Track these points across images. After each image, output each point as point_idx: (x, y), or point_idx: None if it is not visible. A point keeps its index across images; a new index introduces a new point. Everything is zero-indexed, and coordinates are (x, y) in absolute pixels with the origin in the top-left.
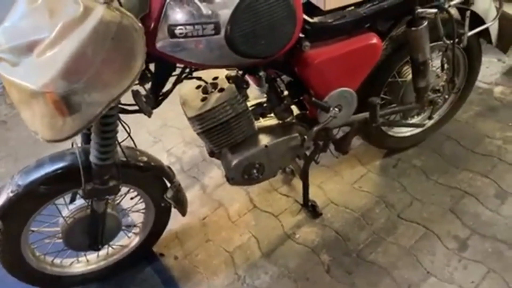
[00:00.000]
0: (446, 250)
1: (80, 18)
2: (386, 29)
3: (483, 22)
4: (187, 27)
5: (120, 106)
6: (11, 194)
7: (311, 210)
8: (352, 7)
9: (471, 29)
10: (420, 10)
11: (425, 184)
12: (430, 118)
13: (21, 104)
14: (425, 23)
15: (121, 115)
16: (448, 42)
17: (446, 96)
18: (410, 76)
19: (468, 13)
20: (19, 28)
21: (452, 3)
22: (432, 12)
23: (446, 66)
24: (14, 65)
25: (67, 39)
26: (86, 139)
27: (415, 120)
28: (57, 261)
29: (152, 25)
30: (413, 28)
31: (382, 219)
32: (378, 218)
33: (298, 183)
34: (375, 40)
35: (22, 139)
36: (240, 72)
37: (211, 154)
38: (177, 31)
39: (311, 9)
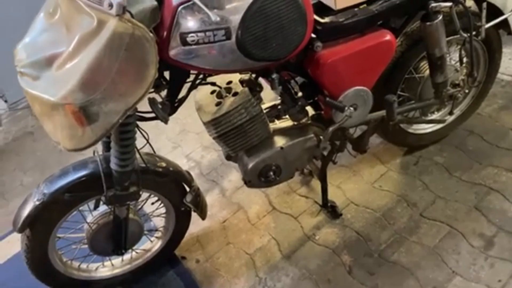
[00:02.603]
0: (471, 248)
1: (95, 31)
2: (400, 25)
3: (501, 13)
4: (199, 34)
5: (137, 114)
6: (37, 203)
7: (331, 210)
8: (364, 5)
9: (489, 20)
10: (434, 4)
11: (448, 181)
12: (451, 113)
13: (43, 116)
14: (440, 17)
15: (139, 123)
16: (465, 35)
17: (467, 91)
18: (427, 72)
19: (484, 4)
20: (38, 43)
21: None
22: (447, 5)
23: (464, 59)
24: (35, 79)
25: (83, 52)
26: (107, 147)
27: (435, 116)
28: (84, 266)
29: (165, 34)
30: (427, 23)
31: (404, 218)
32: (400, 217)
33: (317, 184)
34: (388, 37)
35: (48, 149)
36: (254, 76)
37: (228, 157)
38: (189, 38)
39: (321, 9)
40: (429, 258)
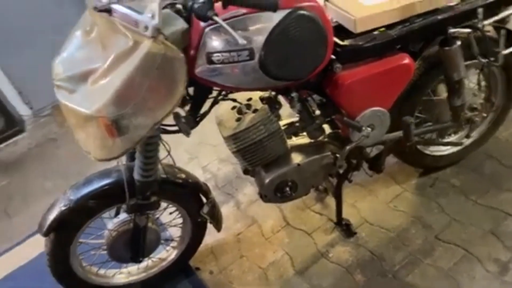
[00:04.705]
0: (486, 273)
1: (130, 51)
2: (418, 48)
3: None
4: (224, 54)
5: (161, 127)
6: (63, 208)
7: (345, 228)
8: (383, 29)
9: (508, 47)
10: (452, 30)
11: (464, 204)
12: (468, 136)
13: (76, 128)
14: (458, 42)
15: (162, 135)
16: (483, 60)
17: (485, 115)
18: (445, 94)
19: (503, 31)
20: (75, 58)
21: (486, 22)
22: (465, 31)
23: (483, 84)
24: (71, 92)
25: (117, 69)
26: (131, 157)
27: (452, 138)
28: (101, 271)
29: (192, 53)
30: (446, 48)
31: (418, 240)
32: (415, 238)
33: (331, 201)
34: (407, 60)
35: (70, 156)
36: (273, 93)
37: (246, 171)
38: (214, 58)
39: (342, 32)
40: (444, 282)
